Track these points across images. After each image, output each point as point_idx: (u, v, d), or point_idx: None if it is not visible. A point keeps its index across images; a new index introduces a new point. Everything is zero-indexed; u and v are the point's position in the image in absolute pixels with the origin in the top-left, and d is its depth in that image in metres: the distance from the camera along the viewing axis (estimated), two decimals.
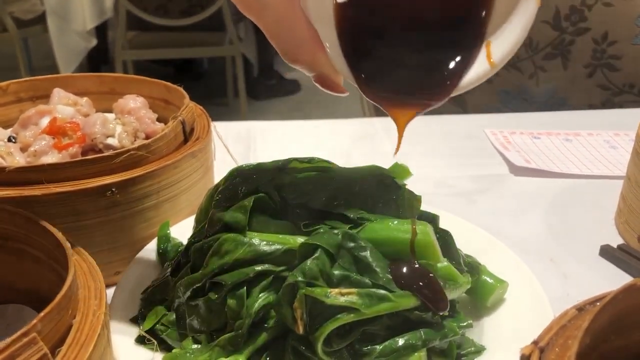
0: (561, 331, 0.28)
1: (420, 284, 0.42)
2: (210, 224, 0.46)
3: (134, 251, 0.54)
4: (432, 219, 0.49)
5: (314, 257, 0.41)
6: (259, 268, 0.42)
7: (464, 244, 0.50)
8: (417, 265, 0.43)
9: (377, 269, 0.41)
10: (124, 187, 0.52)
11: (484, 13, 0.38)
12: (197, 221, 0.53)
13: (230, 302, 0.42)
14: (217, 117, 0.70)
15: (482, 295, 0.48)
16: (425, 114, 0.42)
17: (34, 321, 0.30)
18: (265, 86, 3.49)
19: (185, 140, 0.61)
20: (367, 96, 0.41)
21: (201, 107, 0.67)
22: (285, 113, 3.27)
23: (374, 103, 0.42)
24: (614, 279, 0.58)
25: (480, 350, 0.44)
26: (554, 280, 0.57)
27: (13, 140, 0.62)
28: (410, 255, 0.43)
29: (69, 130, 0.60)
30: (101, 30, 3.18)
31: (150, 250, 0.54)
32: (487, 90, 1.16)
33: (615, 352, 0.30)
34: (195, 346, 0.43)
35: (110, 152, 0.53)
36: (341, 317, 0.39)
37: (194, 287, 0.44)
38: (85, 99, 0.69)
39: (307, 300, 0.40)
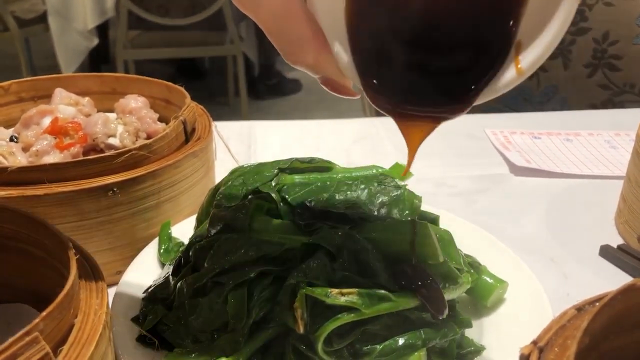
0: (560, 331, 0.28)
1: (424, 290, 0.41)
2: (211, 224, 0.46)
3: (136, 251, 0.54)
4: (432, 219, 0.49)
5: (314, 257, 0.41)
6: (259, 268, 0.42)
7: (464, 244, 0.50)
8: (418, 267, 0.43)
9: (378, 269, 0.42)
10: (125, 186, 0.52)
11: (515, 10, 0.32)
12: (198, 221, 0.53)
13: (231, 301, 0.42)
14: (218, 116, 0.70)
15: (482, 295, 0.48)
16: None
17: (36, 320, 0.30)
18: (266, 86, 3.49)
19: (187, 140, 0.61)
20: (377, 106, 0.36)
21: (202, 107, 0.68)
22: (287, 113, 3.27)
23: (385, 113, 0.36)
24: (614, 279, 0.58)
25: (480, 350, 0.44)
26: (554, 280, 0.57)
27: (15, 140, 0.62)
28: (411, 255, 0.43)
29: (71, 130, 0.61)
30: (102, 30, 3.17)
31: (151, 250, 0.55)
32: None
33: (615, 352, 0.30)
34: (196, 346, 0.43)
35: (112, 152, 0.53)
36: (341, 316, 0.40)
37: (195, 286, 0.44)
38: (86, 98, 0.69)
39: (307, 300, 0.40)
